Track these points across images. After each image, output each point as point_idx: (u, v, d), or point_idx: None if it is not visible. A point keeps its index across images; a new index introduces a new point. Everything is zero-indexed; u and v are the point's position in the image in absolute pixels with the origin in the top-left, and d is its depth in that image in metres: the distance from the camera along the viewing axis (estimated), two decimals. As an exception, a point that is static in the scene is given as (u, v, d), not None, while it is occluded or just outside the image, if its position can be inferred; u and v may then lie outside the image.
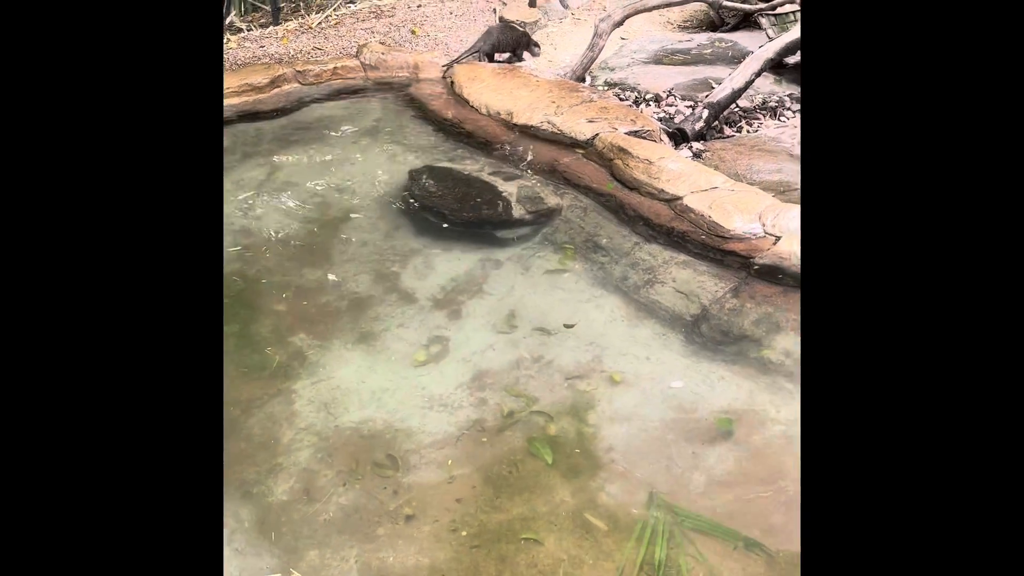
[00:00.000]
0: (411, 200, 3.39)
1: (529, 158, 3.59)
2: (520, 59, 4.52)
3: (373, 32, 5.62)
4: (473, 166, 3.63)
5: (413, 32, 5.62)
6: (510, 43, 4.52)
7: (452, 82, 4.26)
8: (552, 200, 3.31)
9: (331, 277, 3.01)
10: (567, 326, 2.68)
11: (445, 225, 3.24)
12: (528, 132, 3.71)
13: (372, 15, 6.01)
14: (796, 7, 4.53)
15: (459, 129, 3.92)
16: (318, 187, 3.61)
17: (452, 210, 3.29)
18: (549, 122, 3.66)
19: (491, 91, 4.03)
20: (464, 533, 1.99)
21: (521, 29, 4.65)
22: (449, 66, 4.48)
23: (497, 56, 4.55)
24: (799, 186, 3.32)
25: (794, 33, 4.21)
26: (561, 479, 2.13)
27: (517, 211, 3.26)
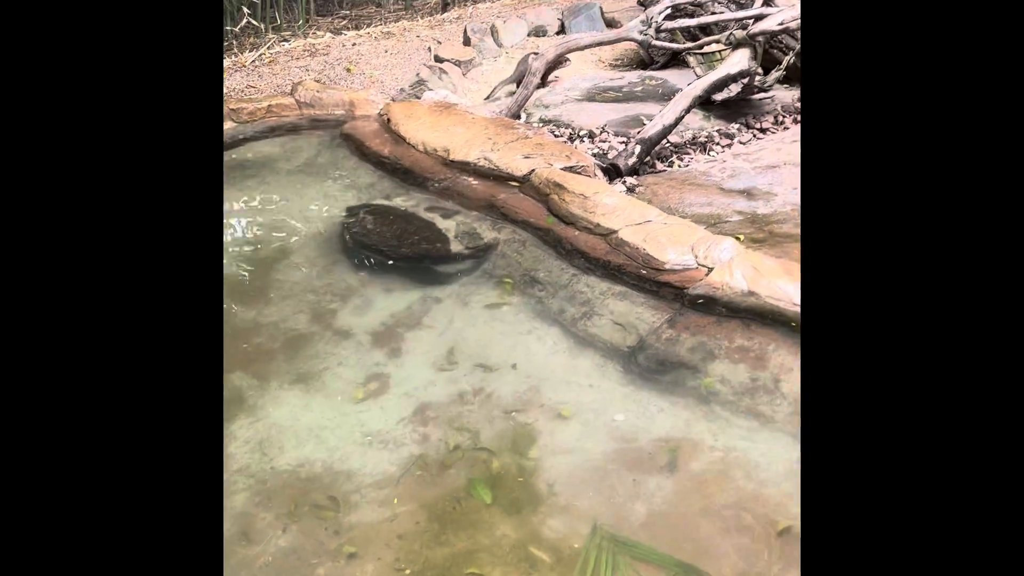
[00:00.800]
0: (349, 237, 3.38)
1: (466, 194, 3.62)
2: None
3: (308, 70, 5.62)
4: (411, 203, 3.64)
5: (348, 70, 5.64)
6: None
7: (388, 119, 4.28)
8: (490, 235, 3.34)
9: (268, 315, 2.96)
10: (512, 367, 2.68)
11: (391, 261, 3.23)
12: (465, 168, 3.74)
13: (306, 53, 6.01)
14: (722, 46, 4.70)
15: (396, 166, 3.93)
16: (254, 226, 3.57)
17: (390, 247, 3.29)
18: (486, 158, 3.70)
19: (428, 128, 4.06)
20: (408, 572, 1.97)
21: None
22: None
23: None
24: (729, 218, 3.42)
25: (721, 71, 4.36)
26: (504, 514, 2.13)
27: (456, 246, 3.28)
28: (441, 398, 2.56)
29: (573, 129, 4.51)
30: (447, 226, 3.40)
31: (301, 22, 6.68)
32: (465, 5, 7.30)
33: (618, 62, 5.78)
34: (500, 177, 3.64)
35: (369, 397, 2.57)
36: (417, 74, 5.36)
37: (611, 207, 3.15)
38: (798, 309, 2.56)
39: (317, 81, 5.03)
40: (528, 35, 6.25)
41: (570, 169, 3.55)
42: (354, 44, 6.24)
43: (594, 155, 4.10)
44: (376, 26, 6.79)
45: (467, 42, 5.98)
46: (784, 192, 3.58)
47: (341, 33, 6.59)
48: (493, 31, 6.10)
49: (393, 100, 4.81)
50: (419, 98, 4.91)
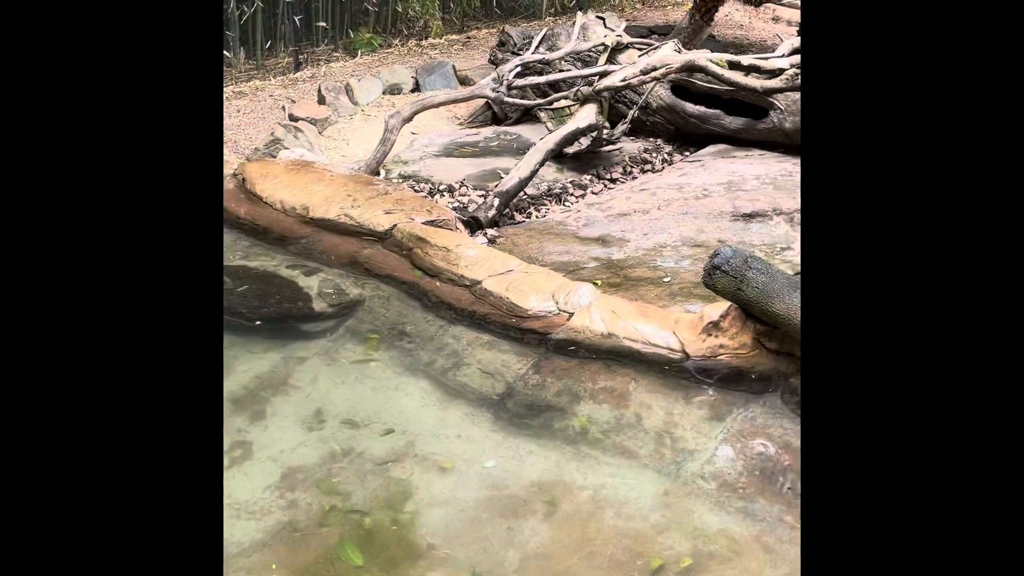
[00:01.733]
0: (206, 300, 3.27)
1: (329, 251, 3.59)
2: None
3: (156, 131, 5.44)
4: (271, 262, 3.57)
5: (199, 130, 5.50)
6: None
7: (243, 179, 4.21)
8: (354, 291, 3.32)
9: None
10: (382, 422, 2.65)
11: (254, 322, 3.15)
12: (326, 226, 3.72)
13: (154, 114, 5.82)
14: (571, 102, 4.92)
15: (254, 226, 3.86)
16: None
17: (251, 307, 3.21)
18: (347, 215, 3.69)
19: (285, 187, 4.01)
20: (282, 643, 1.90)
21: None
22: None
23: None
24: (586, 264, 3.56)
25: (570, 126, 4.58)
26: (381, 572, 2.10)
27: (319, 304, 3.24)
28: (310, 460, 2.50)
29: (433, 184, 4.58)
30: (310, 284, 3.36)
31: (146, 82, 6.47)
32: (318, 65, 7.31)
33: (473, 119, 5.93)
34: (362, 233, 3.64)
35: (233, 465, 2.48)
36: (272, 133, 5.29)
37: (473, 259, 3.22)
38: (654, 348, 2.69)
39: (166, 142, 4.88)
40: (383, 93, 6.32)
41: (432, 223, 3.60)
42: (204, 104, 6.09)
43: (454, 209, 4.18)
44: (227, 85, 6.67)
45: (322, 100, 5.97)
46: (636, 238, 3.77)
47: (190, 93, 6.42)
48: (348, 89, 6.13)
49: (248, 160, 4.72)
50: (275, 157, 4.85)
